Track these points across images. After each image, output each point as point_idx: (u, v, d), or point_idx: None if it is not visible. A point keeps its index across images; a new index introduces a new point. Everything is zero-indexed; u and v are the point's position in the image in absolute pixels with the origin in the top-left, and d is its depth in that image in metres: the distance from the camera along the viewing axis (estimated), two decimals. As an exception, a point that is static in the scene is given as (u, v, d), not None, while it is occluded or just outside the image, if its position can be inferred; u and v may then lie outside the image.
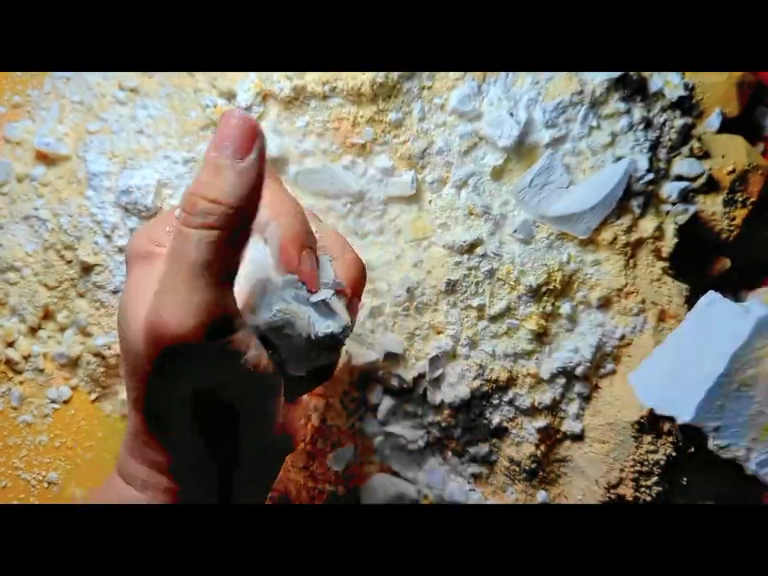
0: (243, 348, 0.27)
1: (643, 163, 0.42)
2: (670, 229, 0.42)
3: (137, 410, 0.29)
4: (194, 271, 0.25)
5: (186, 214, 0.26)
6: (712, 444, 0.33)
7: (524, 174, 0.41)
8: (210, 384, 0.27)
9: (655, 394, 0.35)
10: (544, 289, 0.41)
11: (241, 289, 0.29)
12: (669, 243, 0.42)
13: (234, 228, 0.26)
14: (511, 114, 0.41)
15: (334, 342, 0.30)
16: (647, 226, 0.42)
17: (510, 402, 0.41)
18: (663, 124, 0.43)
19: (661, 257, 0.42)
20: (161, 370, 0.27)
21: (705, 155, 0.44)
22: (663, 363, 0.36)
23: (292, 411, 0.33)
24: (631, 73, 0.42)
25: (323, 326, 0.29)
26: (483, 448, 0.42)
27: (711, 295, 0.36)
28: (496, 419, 0.42)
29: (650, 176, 0.42)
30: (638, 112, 0.42)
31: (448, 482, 0.42)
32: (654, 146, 0.42)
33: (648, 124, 0.42)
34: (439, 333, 0.41)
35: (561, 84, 0.41)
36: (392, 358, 0.40)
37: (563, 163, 0.41)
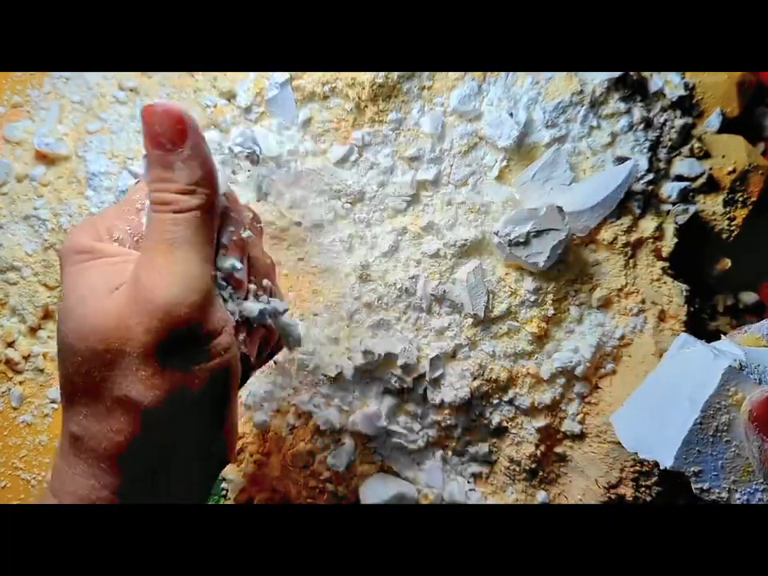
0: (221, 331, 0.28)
1: (643, 163, 0.42)
2: (669, 229, 0.42)
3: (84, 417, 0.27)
4: (182, 248, 0.27)
5: (159, 207, 0.27)
6: (694, 488, 0.33)
7: (527, 167, 0.41)
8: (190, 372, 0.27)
9: (635, 438, 0.35)
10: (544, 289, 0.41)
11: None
12: (669, 243, 0.42)
13: (204, 206, 0.27)
14: (511, 115, 0.41)
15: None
16: (647, 225, 0.42)
17: (510, 402, 0.41)
18: (663, 124, 0.43)
19: (661, 257, 0.42)
20: (164, 353, 0.26)
21: (705, 155, 0.44)
22: (641, 406, 0.36)
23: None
24: (631, 73, 0.42)
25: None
26: (483, 448, 0.42)
27: (684, 337, 0.36)
28: (496, 419, 0.41)
29: (650, 176, 0.42)
30: (638, 112, 0.42)
31: (448, 482, 0.42)
32: (654, 146, 0.42)
33: (648, 124, 0.42)
34: (439, 333, 0.41)
35: (561, 84, 0.41)
36: (392, 358, 0.40)
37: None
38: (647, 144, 0.42)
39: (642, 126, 0.42)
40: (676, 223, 0.42)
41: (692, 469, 0.33)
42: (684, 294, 0.41)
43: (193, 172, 0.27)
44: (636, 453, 0.35)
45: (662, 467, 0.33)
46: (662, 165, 0.43)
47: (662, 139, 0.43)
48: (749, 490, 0.33)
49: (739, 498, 0.33)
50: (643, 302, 0.41)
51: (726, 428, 0.33)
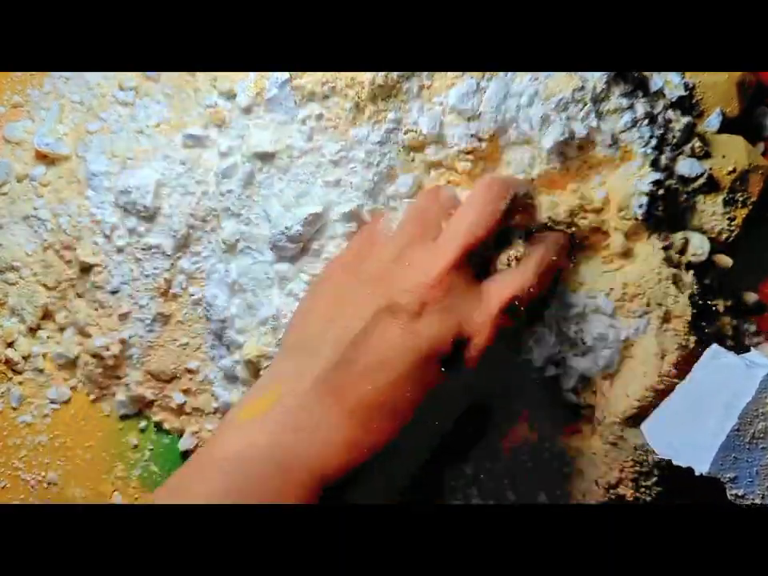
0: None
1: (648, 162, 0.41)
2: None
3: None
4: None
5: None
6: (729, 494, 0.34)
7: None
8: None
9: (669, 446, 0.36)
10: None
11: None
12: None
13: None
14: (512, 116, 0.41)
15: None
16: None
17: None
18: (668, 122, 0.43)
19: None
20: None
21: (705, 155, 0.44)
22: (674, 415, 0.38)
23: None
24: (630, 71, 0.42)
25: None
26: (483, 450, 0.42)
27: (715, 348, 0.38)
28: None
29: (657, 176, 0.41)
30: (641, 107, 0.42)
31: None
32: (660, 144, 0.42)
33: (652, 119, 0.42)
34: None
35: (561, 81, 0.41)
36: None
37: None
38: (653, 141, 0.42)
39: (646, 121, 0.42)
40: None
41: (727, 475, 0.34)
42: (689, 293, 0.41)
43: None
44: (669, 459, 0.36)
45: (696, 473, 0.34)
46: (667, 164, 0.42)
47: (665, 137, 0.43)
48: None
49: None
50: (648, 304, 0.41)
51: (762, 435, 0.34)
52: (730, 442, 0.34)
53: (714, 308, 0.44)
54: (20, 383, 0.44)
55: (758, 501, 0.34)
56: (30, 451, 0.44)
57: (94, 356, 0.43)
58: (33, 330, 0.44)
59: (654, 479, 0.40)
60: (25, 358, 0.44)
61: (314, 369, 0.32)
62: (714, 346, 0.39)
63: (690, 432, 0.36)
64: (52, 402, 0.44)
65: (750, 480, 0.34)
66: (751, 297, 0.46)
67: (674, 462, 0.35)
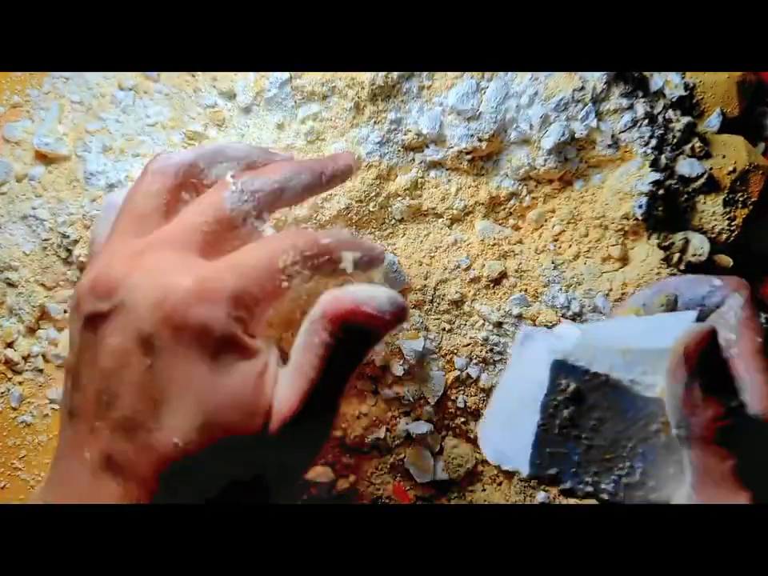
0: None
1: (648, 162, 0.41)
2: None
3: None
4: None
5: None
6: (558, 491, 0.31)
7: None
8: None
9: (495, 448, 0.32)
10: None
11: None
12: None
13: None
14: (512, 116, 0.41)
15: None
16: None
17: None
18: (668, 122, 0.43)
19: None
20: None
21: (705, 155, 0.44)
22: (496, 412, 0.33)
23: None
24: (630, 71, 0.42)
25: None
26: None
27: (524, 330, 0.33)
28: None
29: (657, 176, 0.41)
30: (640, 108, 0.42)
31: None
32: (659, 144, 0.42)
33: (652, 119, 0.42)
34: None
35: (561, 81, 0.41)
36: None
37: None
38: (653, 141, 0.42)
39: (645, 121, 0.42)
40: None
41: (548, 473, 0.31)
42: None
43: None
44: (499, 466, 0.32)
45: (522, 477, 0.31)
46: (667, 164, 0.42)
47: (665, 137, 0.43)
48: (613, 477, 0.31)
49: (605, 489, 0.31)
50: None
51: (568, 423, 0.30)
52: (540, 437, 0.30)
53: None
54: (20, 383, 0.44)
55: (590, 489, 0.30)
56: (30, 451, 0.44)
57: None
58: (32, 330, 0.44)
59: (654, 479, 0.40)
60: (24, 358, 0.44)
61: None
62: (524, 328, 0.35)
63: (508, 432, 0.31)
64: (52, 402, 0.44)
65: (573, 471, 0.30)
66: (751, 297, 0.46)
67: (502, 468, 0.31)
